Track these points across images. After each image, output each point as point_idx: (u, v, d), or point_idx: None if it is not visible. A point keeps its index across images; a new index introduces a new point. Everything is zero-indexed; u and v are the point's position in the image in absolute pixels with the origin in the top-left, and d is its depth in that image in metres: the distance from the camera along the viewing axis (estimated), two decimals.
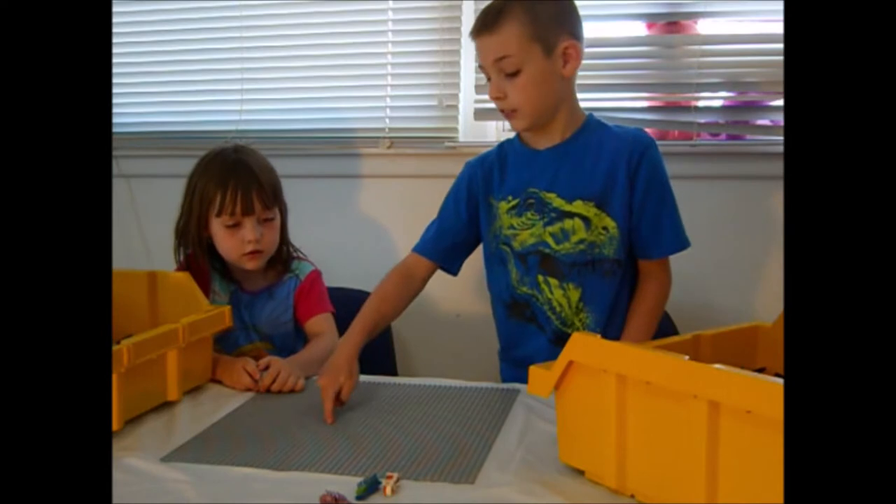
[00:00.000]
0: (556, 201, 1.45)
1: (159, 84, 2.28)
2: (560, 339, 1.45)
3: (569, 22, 1.42)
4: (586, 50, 1.94)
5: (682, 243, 1.47)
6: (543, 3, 1.40)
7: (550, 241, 1.46)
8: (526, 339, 1.51)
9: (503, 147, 1.55)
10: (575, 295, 1.46)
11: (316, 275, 1.67)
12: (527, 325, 1.50)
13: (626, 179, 1.43)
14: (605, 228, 1.44)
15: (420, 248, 1.55)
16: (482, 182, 1.52)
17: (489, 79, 1.43)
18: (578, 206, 1.44)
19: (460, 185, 1.56)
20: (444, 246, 1.54)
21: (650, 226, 1.45)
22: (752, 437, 0.82)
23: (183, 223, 1.61)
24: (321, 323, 1.62)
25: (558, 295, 1.47)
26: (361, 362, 1.63)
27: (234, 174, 1.55)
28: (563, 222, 1.45)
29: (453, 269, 1.56)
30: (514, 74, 1.38)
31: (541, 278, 1.47)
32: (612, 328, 1.48)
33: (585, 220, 1.44)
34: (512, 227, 1.48)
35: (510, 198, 1.49)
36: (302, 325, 1.64)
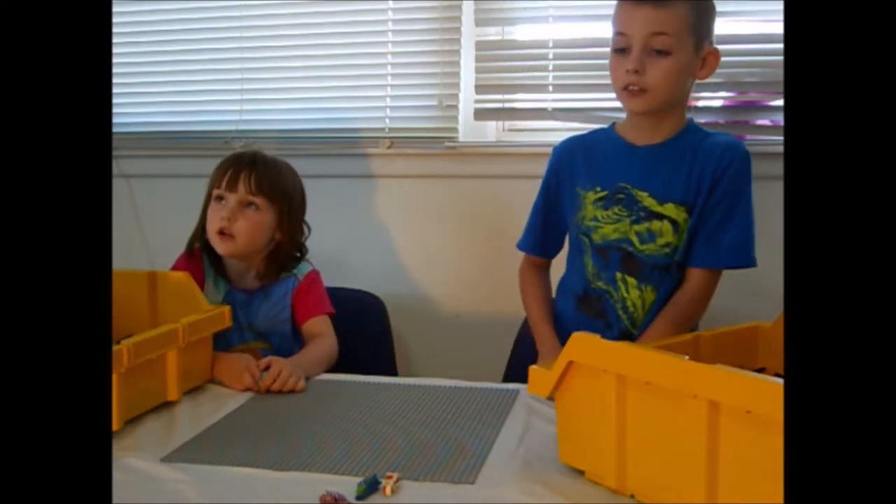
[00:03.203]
0: (647, 200, 1.43)
1: (159, 84, 2.27)
2: (624, 339, 1.43)
3: (713, 30, 1.43)
4: (588, 50, 1.96)
5: (731, 260, 1.43)
6: (706, 3, 1.41)
7: (635, 239, 1.44)
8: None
9: (596, 135, 1.54)
10: (650, 297, 1.45)
11: (315, 275, 1.67)
12: (594, 320, 1.48)
13: (709, 185, 1.41)
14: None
15: (523, 246, 1.61)
16: (568, 170, 1.53)
17: (620, 50, 1.40)
18: (669, 209, 1.42)
19: (548, 174, 1.57)
20: (540, 238, 1.59)
21: (702, 233, 1.42)
22: (752, 437, 0.82)
23: (200, 216, 1.64)
24: (319, 325, 1.62)
25: (634, 295, 1.45)
26: (361, 362, 1.63)
27: (238, 157, 1.62)
28: (652, 223, 1.43)
29: (552, 256, 1.61)
30: (661, 54, 1.36)
31: (619, 276, 1.46)
32: None
33: (674, 223, 1.42)
34: (595, 219, 1.46)
35: (598, 189, 1.47)
36: (299, 326, 1.63)
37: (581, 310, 1.51)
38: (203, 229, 1.62)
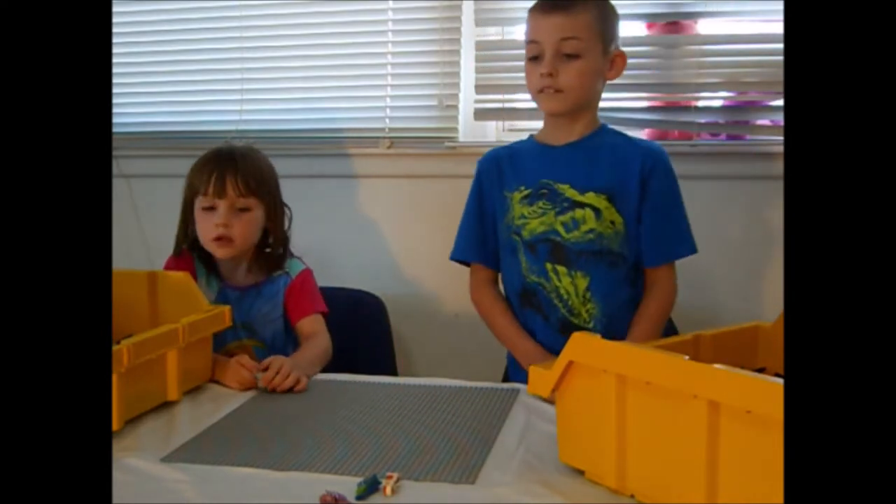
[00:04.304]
0: (569, 192, 1.50)
1: (159, 84, 2.28)
2: (566, 328, 1.49)
3: (618, 34, 1.53)
4: None
5: (683, 250, 1.53)
6: (609, 6, 1.51)
7: (561, 229, 1.50)
8: (533, 328, 1.55)
9: (517, 144, 1.62)
10: (583, 283, 1.51)
11: (307, 274, 1.67)
12: (534, 314, 1.54)
13: (637, 186, 1.50)
14: (612, 222, 1.50)
15: (457, 255, 1.64)
16: (496, 176, 1.59)
17: (534, 58, 1.48)
18: (590, 198, 1.50)
19: (475, 184, 1.63)
20: (476, 243, 1.61)
21: (653, 233, 1.51)
22: (752, 437, 0.82)
23: (180, 218, 1.63)
24: (312, 324, 1.61)
25: (566, 283, 1.51)
26: (361, 362, 1.63)
27: (217, 159, 1.59)
28: (574, 212, 1.50)
29: (495, 264, 1.62)
30: (572, 58, 1.45)
31: (549, 266, 1.52)
32: (618, 328, 1.50)
33: (596, 210, 1.49)
34: (523, 216, 1.53)
35: (523, 188, 1.54)
36: (293, 324, 1.63)
37: (524, 306, 1.56)
38: (186, 230, 1.61)
